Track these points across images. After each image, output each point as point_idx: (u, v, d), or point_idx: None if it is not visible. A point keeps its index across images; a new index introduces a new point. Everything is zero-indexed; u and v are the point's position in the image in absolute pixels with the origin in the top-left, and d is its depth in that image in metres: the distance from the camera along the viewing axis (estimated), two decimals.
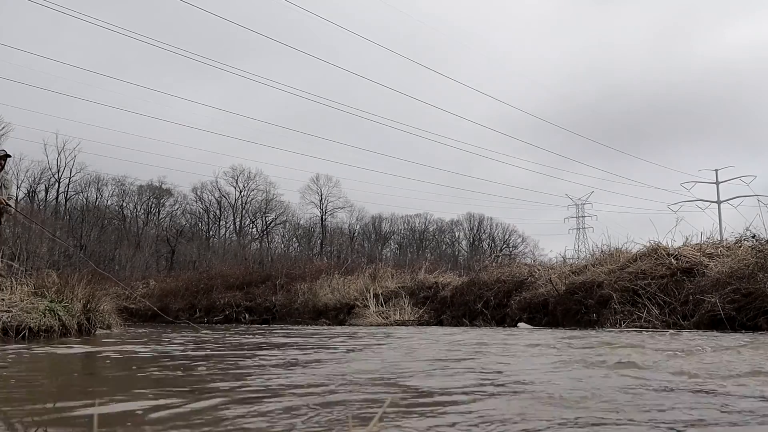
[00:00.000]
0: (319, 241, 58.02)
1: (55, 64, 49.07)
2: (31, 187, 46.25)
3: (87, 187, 50.17)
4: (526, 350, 4.68)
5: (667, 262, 9.84)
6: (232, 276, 21.43)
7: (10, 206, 8.70)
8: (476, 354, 4.37)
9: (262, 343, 6.41)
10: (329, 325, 14.80)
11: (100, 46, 57.29)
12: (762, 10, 77.44)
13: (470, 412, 1.83)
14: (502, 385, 2.53)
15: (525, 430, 1.57)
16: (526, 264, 15.29)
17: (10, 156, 8.83)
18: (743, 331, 6.99)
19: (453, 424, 1.63)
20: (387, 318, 14.34)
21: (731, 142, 75.37)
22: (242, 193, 56.40)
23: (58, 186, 47.92)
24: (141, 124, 71.22)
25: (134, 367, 3.54)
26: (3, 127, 37.10)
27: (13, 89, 55.21)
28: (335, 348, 5.21)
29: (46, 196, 48.02)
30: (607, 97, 76.59)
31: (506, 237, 62.98)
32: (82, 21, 47.02)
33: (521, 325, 10.66)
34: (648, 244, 10.75)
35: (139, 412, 1.85)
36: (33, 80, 59.96)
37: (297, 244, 58.38)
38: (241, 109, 70.51)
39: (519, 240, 62.21)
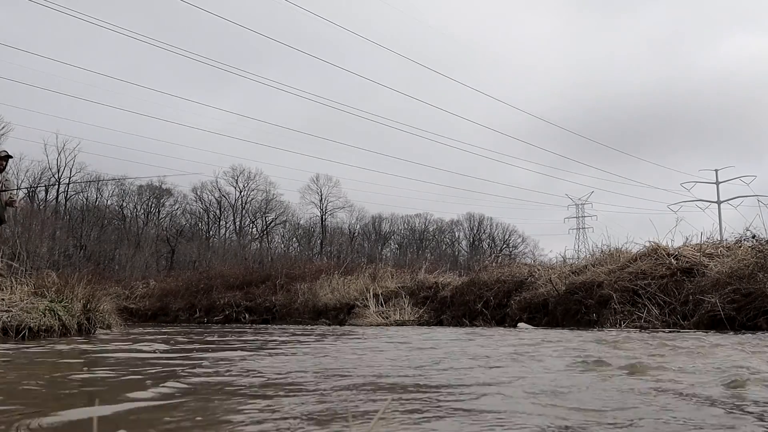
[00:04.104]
0: (319, 241, 58.05)
1: (55, 64, 49.09)
2: (31, 186, 46.27)
3: (87, 187, 50.25)
4: None
5: (667, 262, 9.83)
6: (232, 276, 21.42)
7: (14, 201, 8.63)
8: None
9: (260, 340, 6.42)
10: (329, 324, 14.79)
11: (102, 48, 57.34)
12: (762, 21, 78.10)
13: None
14: None
15: None
16: (526, 264, 15.27)
17: (11, 157, 8.81)
18: (743, 331, 6.99)
19: None
20: (387, 318, 14.34)
21: (731, 143, 75.47)
22: (242, 193, 56.48)
23: (58, 186, 47.98)
24: (141, 125, 71.29)
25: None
26: (3, 127, 37.13)
27: (13, 89, 55.25)
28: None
29: (46, 196, 48.10)
30: (609, 100, 76.79)
31: (506, 237, 63.09)
32: (84, 22, 47.00)
33: (521, 325, 10.65)
34: (648, 244, 10.74)
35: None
36: (33, 80, 59.95)
37: (297, 244, 58.41)
38: (242, 110, 70.50)
39: (519, 240, 62.36)
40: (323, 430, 1.52)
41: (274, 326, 14.16)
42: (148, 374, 2.95)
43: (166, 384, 2.38)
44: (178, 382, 2.48)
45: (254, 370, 3.04)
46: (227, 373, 2.92)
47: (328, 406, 1.86)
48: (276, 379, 2.70)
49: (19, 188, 9.55)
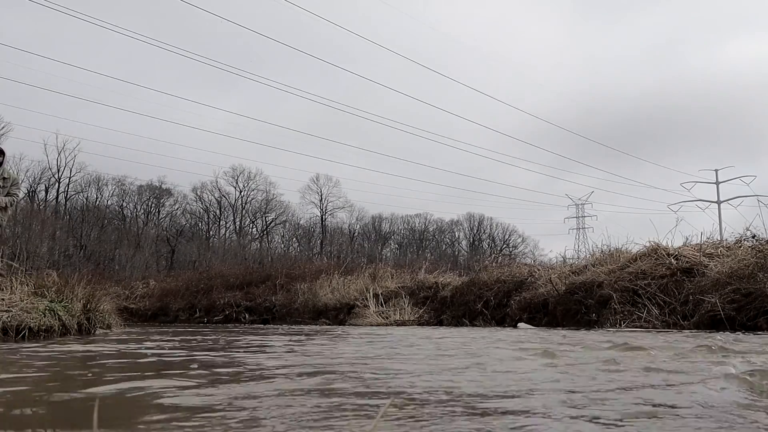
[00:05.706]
0: (319, 241, 58.03)
1: (55, 64, 49.10)
2: (31, 186, 46.28)
3: (87, 187, 50.25)
4: None
5: (667, 262, 9.83)
6: (232, 276, 21.43)
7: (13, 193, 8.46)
8: None
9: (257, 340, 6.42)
10: (329, 324, 14.79)
11: (103, 48, 57.35)
12: (763, 23, 78.44)
13: None
14: None
15: None
16: (526, 264, 15.30)
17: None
18: (743, 331, 6.99)
19: None
20: (387, 318, 14.34)
21: (731, 143, 75.50)
22: (242, 193, 56.45)
23: (58, 186, 47.97)
24: (141, 125, 71.32)
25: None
26: (3, 127, 37.17)
27: (13, 89, 55.26)
28: None
29: (46, 195, 48.08)
30: (609, 100, 76.85)
31: (506, 237, 63.08)
32: (85, 22, 46.96)
33: (521, 325, 10.65)
34: (648, 244, 10.74)
35: None
36: (33, 80, 59.98)
37: (297, 244, 58.39)
38: (242, 111, 70.49)
39: (519, 240, 62.34)
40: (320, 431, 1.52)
41: (271, 326, 14.16)
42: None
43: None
44: None
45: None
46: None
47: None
48: None
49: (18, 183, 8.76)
